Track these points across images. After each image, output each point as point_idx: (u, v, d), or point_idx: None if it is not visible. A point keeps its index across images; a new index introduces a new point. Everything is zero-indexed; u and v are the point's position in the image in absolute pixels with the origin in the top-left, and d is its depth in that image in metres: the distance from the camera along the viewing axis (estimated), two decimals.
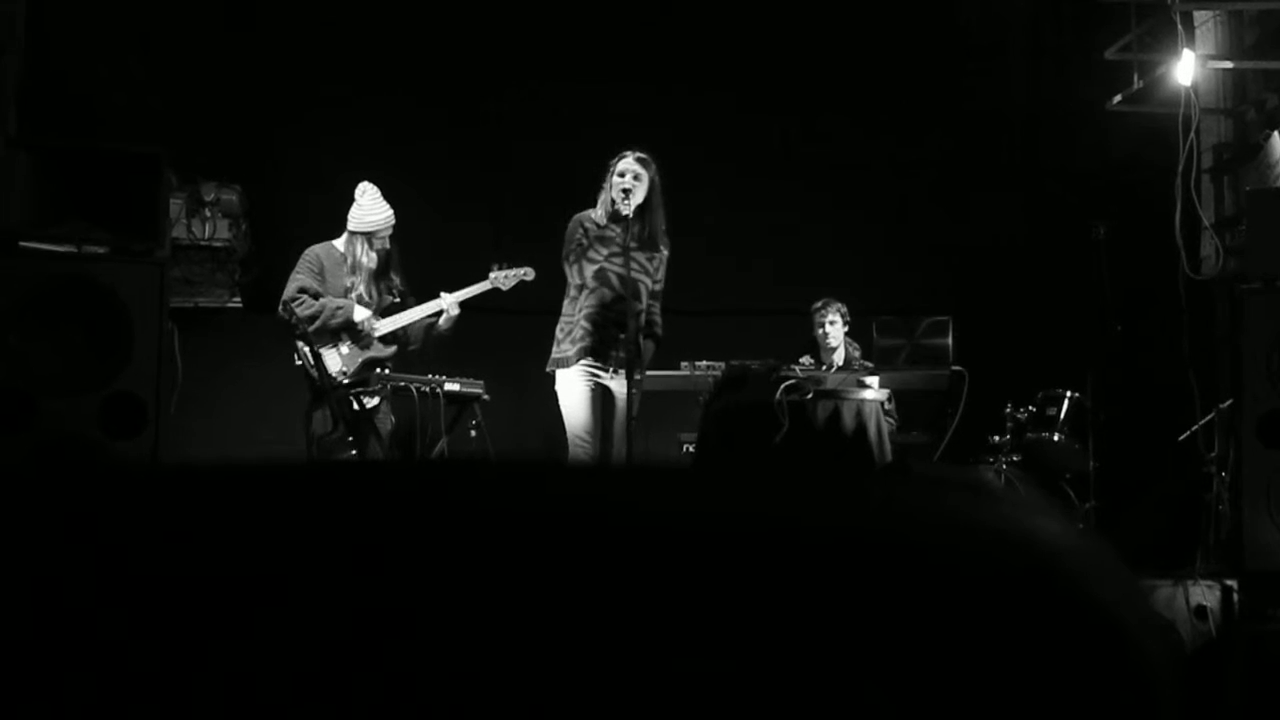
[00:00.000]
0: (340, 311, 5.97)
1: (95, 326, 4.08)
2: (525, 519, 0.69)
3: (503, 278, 6.16)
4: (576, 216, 5.61)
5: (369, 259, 6.06)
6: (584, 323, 5.48)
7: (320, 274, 6.03)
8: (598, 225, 5.55)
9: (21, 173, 4.15)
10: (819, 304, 7.18)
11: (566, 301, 5.59)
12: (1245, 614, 4.44)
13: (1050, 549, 0.70)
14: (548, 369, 5.57)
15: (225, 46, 7.46)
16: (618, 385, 5.47)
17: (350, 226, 6.08)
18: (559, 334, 5.57)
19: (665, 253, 5.65)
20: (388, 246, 6.11)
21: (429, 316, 6.10)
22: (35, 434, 4.00)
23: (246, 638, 0.66)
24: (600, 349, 5.47)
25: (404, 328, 6.12)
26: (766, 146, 7.96)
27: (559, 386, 5.53)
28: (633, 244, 5.42)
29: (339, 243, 6.11)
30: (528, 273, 6.20)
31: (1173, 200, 5.83)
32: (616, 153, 5.58)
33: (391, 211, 6.09)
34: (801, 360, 6.63)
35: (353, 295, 6.05)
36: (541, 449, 6.94)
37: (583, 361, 5.46)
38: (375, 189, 6.10)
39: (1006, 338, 7.32)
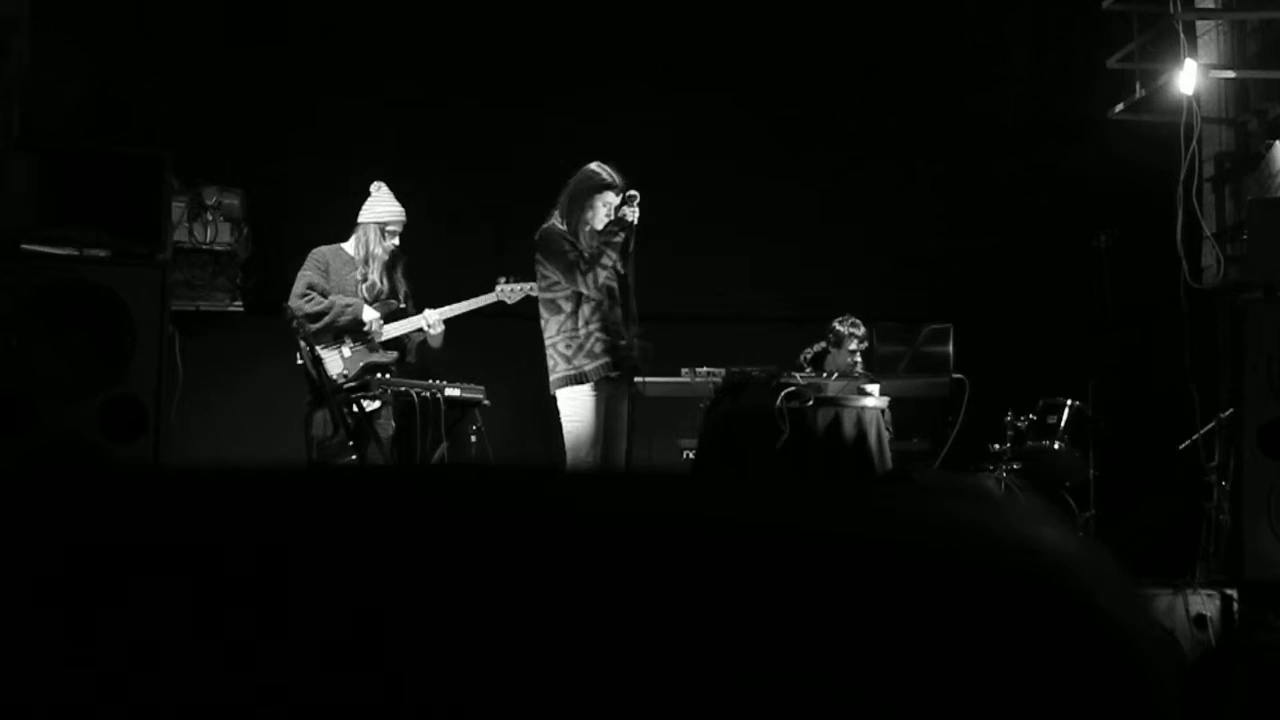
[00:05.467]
0: (349, 309, 5.99)
1: (96, 329, 4.08)
2: (525, 524, 0.69)
3: (509, 291, 6.14)
4: (558, 231, 5.52)
5: (382, 249, 6.10)
6: (600, 335, 5.42)
7: (326, 273, 6.08)
8: (589, 244, 5.48)
9: (24, 175, 4.15)
10: (851, 319, 7.05)
11: (563, 317, 5.46)
12: (1245, 623, 4.43)
13: (1052, 557, 0.70)
14: (556, 389, 5.46)
15: (228, 50, 7.47)
16: (629, 393, 5.46)
17: (361, 219, 6.14)
18: (566, 351, 5.43)
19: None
20: (397, 244, 6.15)
21: (417, 331, 6.12)
22: (36, 437, 3.99)
23: (244, 641, 0.66)
24: (617, 360, 5.43)
25: (401, 336, 6.13)
26: (768, 153, 7.96)
27: (569, 401, 5.43)
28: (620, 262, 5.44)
29: (347, 245, 6.17)
30: (534, 288, 6.18)
31: (1174, 209, 5.82)
32: (608, 155, 5.55)
33: (403, 209, 6.14)
34: (804, 354, 6.63)
35: (363, 288, 6.08)
36: (542, 455, 6.94)
37: (602, 375, 5.40)
38: (388, 188, 6.18)
39: (1007, 346, 7.31)
